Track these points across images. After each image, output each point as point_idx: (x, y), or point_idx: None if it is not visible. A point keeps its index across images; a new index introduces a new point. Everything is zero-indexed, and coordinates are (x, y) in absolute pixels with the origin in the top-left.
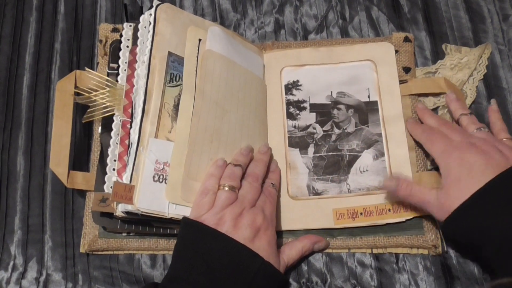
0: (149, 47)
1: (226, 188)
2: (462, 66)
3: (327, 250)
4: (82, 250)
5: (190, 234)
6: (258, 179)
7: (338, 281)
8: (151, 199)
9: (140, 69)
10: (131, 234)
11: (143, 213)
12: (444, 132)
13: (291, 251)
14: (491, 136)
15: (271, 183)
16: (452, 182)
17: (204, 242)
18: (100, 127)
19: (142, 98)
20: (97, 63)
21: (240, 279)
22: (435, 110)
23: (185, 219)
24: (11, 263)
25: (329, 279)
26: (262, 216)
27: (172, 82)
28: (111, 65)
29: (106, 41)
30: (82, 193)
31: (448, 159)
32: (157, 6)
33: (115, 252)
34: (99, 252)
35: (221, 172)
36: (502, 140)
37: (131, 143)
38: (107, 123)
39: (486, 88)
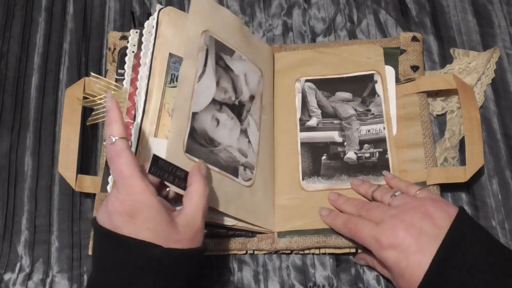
0: (151, 49)
1: None
2: (470, 71)
3: (335, 251)
4: (90, 252)
5: (95, 237)
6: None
7: (345, 285)
8: None
9: (142, 71)
10: None
11: None
12: (364, 216)
13: (193, 200)
14: (407, 196)
15: (110, 136)
16: (398, 277)
17: (102, 245)
18: None
19: (143, 98)
20: (106, 70)
21: (146, 272)
22: (443, 115)
23: (93, 220)
24: (18, 264)
25: (336, 283)
26: (118, 197)
27: (173, 82)
28: (119, 71)
29: (115, 49)
30: (90, 194)
31: (380, 250)
32: (160, 10)
33: None
34: None
35: None
36: (416, 193)
37: (132, 143)
38: None
39: (494, 92)
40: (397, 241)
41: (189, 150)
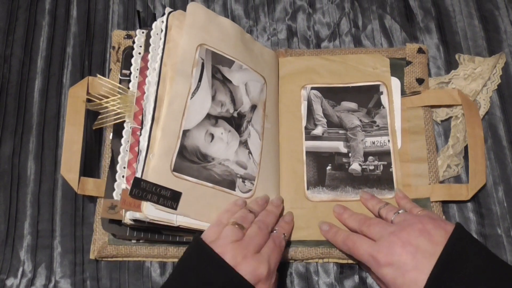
0: (160, 54)
1: (235, 226)
2: (475, 76)
3: (339, 261)
4: (91, 256)
5: (197, 256)
6: (268, 227)
7: None
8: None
9: (151, 76)
10: (141, 241)
11: (151, 221)
12: (364, 231)
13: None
14: (407, 214)
15: (284, 233)
16: None
17: (209, 268)
18: (111, 134)
19: (152, 105)
20: (110, 70)
21: None
22: (447, 120)
23: (198, 238)
24: (20, 269)
25: None
26: (266, 266)
27: None
28: (124, 71)
29: (119, 48)
30: (92, 199)
31: (378, 267)
32: (169, 13)
33: (125, 259)
34: (109, 259)
35: (237, 211)
36: (418, 213)
37: (140, 151)
38: (118, 129)
39: (500, 98)
40: (393, 258)
41: (177, 169)
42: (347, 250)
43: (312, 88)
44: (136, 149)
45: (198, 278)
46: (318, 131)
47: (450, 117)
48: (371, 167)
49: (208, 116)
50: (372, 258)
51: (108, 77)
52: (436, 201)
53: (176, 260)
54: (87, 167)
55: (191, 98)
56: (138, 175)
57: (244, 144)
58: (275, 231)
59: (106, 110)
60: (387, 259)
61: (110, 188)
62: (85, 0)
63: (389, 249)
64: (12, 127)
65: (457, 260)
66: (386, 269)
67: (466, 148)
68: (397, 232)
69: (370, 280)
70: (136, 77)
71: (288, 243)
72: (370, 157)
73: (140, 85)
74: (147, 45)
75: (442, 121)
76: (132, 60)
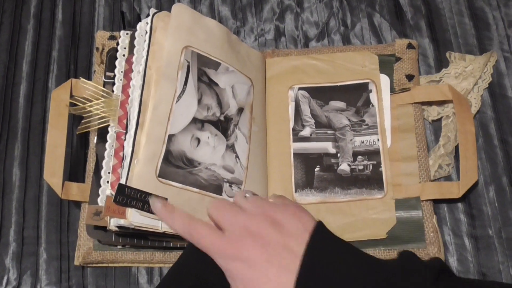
0: (145, 56)
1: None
2: (466, 75)
3: None
4: (76, 262)
5: (194, 259)
6: None
7: None
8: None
9: (136, 80)
10: (127, 246)
11: (136, 227)
12: (214, 216)
13: None
14: (260, 200)
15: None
16: None
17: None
18: (96, 137)
19: (137, 109)
20: (94, 72)
21: None
22: (439, 120)
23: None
24: (5, 277)
25: None
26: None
27: None
28: (108, 73)
29: (103, 49)
30: (78, 205)
31: (224, 261)
32: (153, 14)
33: (110, 265)
34: (94, 265)
35: None
36: (275, 201)
37: (125, 156)
38: (103, 133)
39: (491, 97)
40: (242, 252)
41: (162, 174)
42: (189, 238)
43: (300, 89)
44: (121, 154)
45: (196, 277)
46: (306, 132)
47: (442, 117)
48: (360, 167)
49: (194, 120)
50: (219, 250)
51: (93, 80)
52: (427, 200)
53: (163, 265)
54: (72, 171)
55: (177, 102)
56: (123, 181)
57: (231, 148)
58: None
59: (89, 114)
60: (235, 252)
61: (94, 194)
62: (71, 3)
63: (238, 242)
64: None
65: (317, 256)
66: (234, 263)
67: (457, 148)
68: (247, 222)
69: None
70: (121, 80)
71: None
72: (359, 157)
73: (125, 88)
74: (131, 47)
75: (433, 120)
76: (116, 63)
